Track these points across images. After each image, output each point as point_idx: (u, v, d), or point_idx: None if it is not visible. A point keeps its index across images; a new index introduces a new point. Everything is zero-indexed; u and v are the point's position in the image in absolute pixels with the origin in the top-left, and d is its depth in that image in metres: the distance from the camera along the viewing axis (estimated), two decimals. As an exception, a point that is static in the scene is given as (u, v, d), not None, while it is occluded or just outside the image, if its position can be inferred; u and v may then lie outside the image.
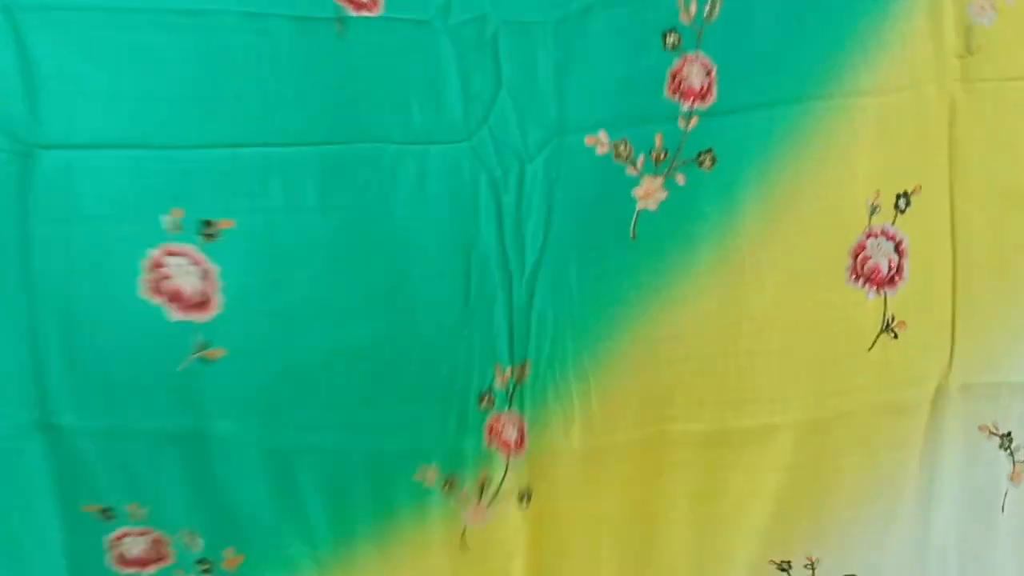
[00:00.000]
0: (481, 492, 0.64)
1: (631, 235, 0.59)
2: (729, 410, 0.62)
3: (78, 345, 0.62)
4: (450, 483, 0.64)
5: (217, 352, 0.62)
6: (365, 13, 0.58)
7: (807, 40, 0.60)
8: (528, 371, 0.63)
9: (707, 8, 0.58)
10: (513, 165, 0.60)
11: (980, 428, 0.64)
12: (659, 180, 0.59)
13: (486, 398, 0.64)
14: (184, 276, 0.61)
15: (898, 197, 0.60)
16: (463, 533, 0.64)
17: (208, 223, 0.62)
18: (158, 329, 0.62)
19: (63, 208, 0.61)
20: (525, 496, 0.64)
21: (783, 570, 0.65)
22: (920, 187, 0.60)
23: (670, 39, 0.58)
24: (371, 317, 0.62)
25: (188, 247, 0.62)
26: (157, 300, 0.62)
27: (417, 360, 0.63)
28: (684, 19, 0.58)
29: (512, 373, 0.63)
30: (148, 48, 0.59)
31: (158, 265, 0.62)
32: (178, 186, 0.61)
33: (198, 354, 0.62)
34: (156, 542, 0.65)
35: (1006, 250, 0.61)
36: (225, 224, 0.61)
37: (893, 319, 0.61)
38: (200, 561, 0.66)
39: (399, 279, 0.62)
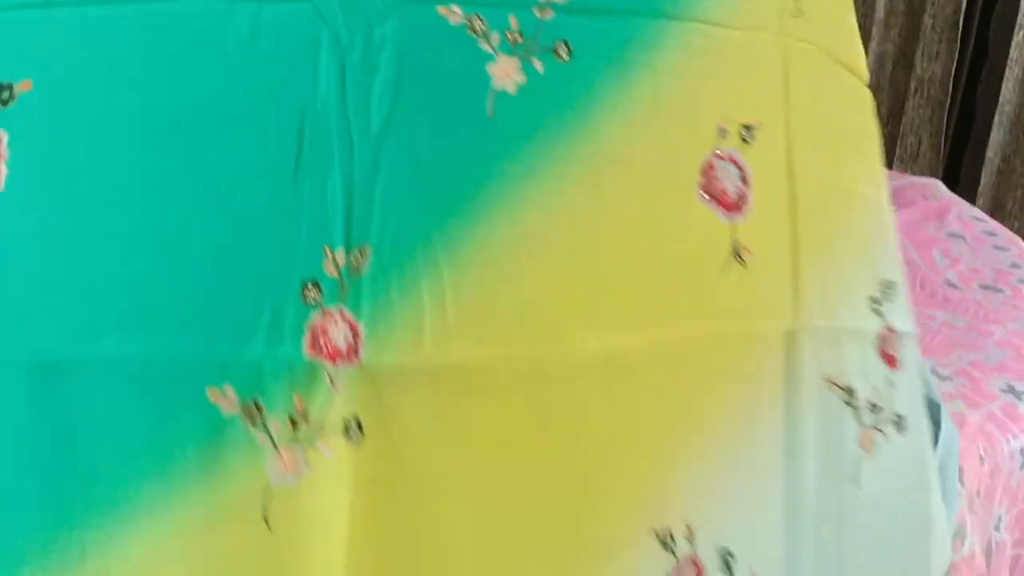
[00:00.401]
0: (294, 427, 0.48)
1: (488, 112, 0.52)
2: (592, 329, 0.53)
3: None
4: (253, 408, 0.48)
5: None
6: None
7: None
8: (367, 259, 0.49)
9: None
10: (360, 27, 0.52)
11: (824, 379, 0.60)
12: (515, 61, 0.54)
13: (310, 289, 0.49)
14: None
15: (743, 127, 0.59)
16: (268, 501, 0.47)
17: (5, 87, 0.50)
18: None
19: None
20: (354, 426, 0.48)
21: (665, 545, 0.55)
22: (761, 123, 0.60)
23: None
24: (182, 196, 0.49)
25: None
26: None
27: (229, 245, 0.49)
28: None
29: (347, 259, 0.49)
30: None
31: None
32: None
33: None
34: None
35: (835, 200, 0.63)
36: (23, 87, 0.49)
37: (740, 245, 0.58)
38: None
39: (219, 151, 0.50)
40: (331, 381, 0.48)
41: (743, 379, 0.58)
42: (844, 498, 0.60)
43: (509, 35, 0.54)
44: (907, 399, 0.63)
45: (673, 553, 0.54)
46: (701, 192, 0.56)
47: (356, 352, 0.48)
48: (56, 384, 0.47)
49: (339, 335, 0.48)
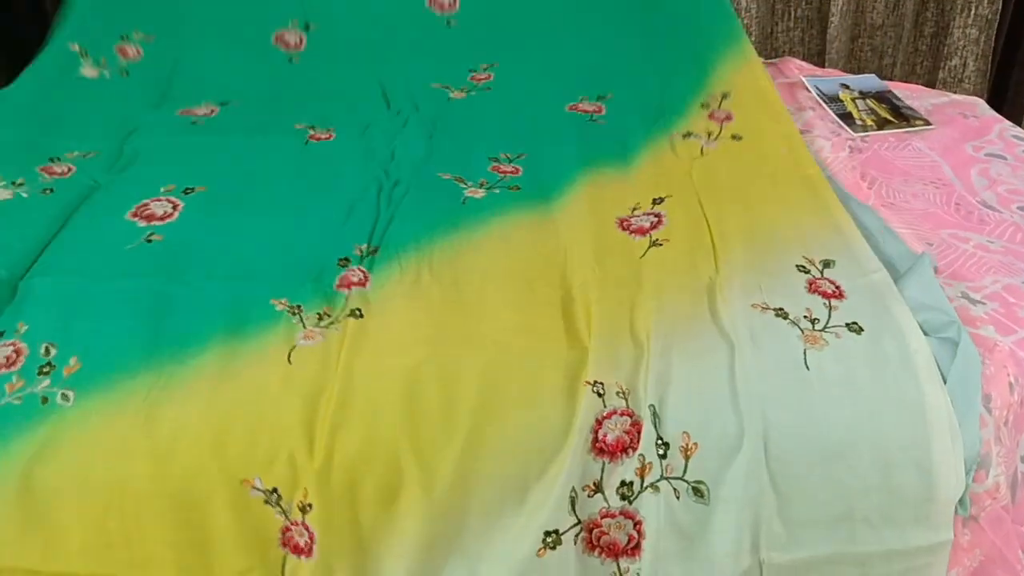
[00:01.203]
0: (320, 320, 0.83)
1: (462, 202, 1.03)
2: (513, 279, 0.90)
3: None
4: (296, 309, 0.84)
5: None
6: None
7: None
8: (377, 252, 0.94)
9: None
10: (394, 171, 1.11)
11: (753, 306, 0.83)
12: (482, 190, 1.05)
13: (343, 261, 0.92)
14: None
15: (654, 199, 1.03)
16: (291, 353, 0.79)
17: (189, 189, 1.07)
18: None
19: None
20: (358, 313, 0.84)
21: (600, 396, 0.76)
22: (672, 194, 1.03)
23: None
24: (292, 223, 0.99)
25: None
26: None
27: (309, 244, 0.95)
28: None
29: (366, 249, 0.94)
30: None
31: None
32: None
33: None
34: (17, 351, 0.79)
35: (748, 222, 0.98)
36: (200, 188, 1.08)
37: (657, 240, 0.95)
38: (43, 367, 0.78)
39: (318, 204, 1.03)
40: (347, 297, 0.87)
41: (681, 305, 0.85)
42: (787, 392, 0.76)
43: (481, 181, 1.07)
44: (861, 314, 0.82)
45: (604, 403, 0.76)
46: (619, 228, 0.98)
47: (365, 283, 0.89)
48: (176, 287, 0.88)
49: (356, 277, 0.90)
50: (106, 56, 1.35)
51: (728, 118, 1.21)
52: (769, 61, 1.47)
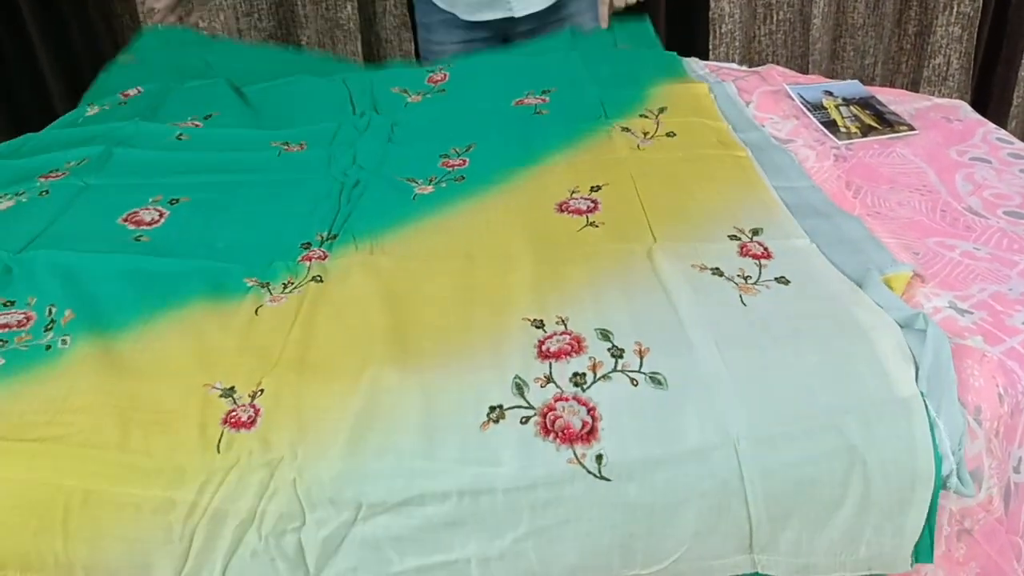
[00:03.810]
0: (284, 288, 0.94)
1: (412, 198, 1.12)
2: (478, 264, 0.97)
3: None
4: (264, 283, 0.95)
5: None
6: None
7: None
8: (336, 237, 1.04)
9: None
10: (353, 173, 1.20)
11: (692, 266, 0.91)
12: (431, 187, 1.14)
13: (305, 245, 1.02)
14: None
15: (592, 187, 1.10)
16: (258, 308, 0.90)
17: (174, 200, 1.17)
18: None
19: None
20: (318, 279, 0.95)
21: (538, 327, 0.83)
22: (609, 182, 1.11)
23: None
24: (264, 214, 1.11)
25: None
26: None
27: (277, 230, 1.06)
28: None
29: (327, 235, 1.04)
30: None
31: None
32: None
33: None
34: (28, 317, 0.92)
35: (679, 201, 1.07)
36: (185, 199, 1.17)
37: (593, 222, 1.02)
38: (47, 326, 0.90)
39: (289, 198, 1.14)
40: (308, 268, 0.97)
41: (618, 263, 0.93)
42: (729, 318, 0.83)
43: (431, 178, 1.16)
44: (789, 272, 0.90)
45: (544, 331, 0.83)
46: (557, 211, 1.05)
47: (324, 258, 0.99)
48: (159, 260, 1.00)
49: (316, 255, 1.00)
50: (109, 100, 1.50)
51: (663, 123, 1.28)
52: (752, 70, 1.47)
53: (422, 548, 0.71)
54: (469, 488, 0.71)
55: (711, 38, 2.07)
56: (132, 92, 1.50)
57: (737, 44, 2.10)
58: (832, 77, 1.84)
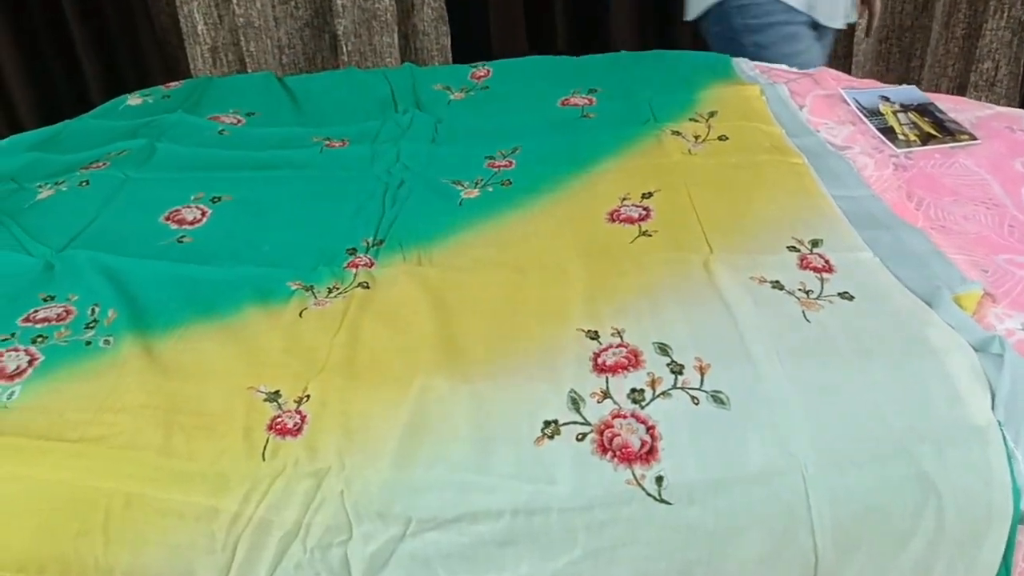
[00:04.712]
0: (329, 292, 0.92)
1: (458, 203, 1.09)
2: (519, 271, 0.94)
3: None
4: (309, 287, 0.93)
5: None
6: None
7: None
8: (382, 244, 1.01)
9: None
10: (398, 173, 1.18)
11: (751, 278, 0.88)
12: (477, 190, 1.11)
13: (351, 251, 1.00)
14: None
15: (643, 193, 1.06)
16: (303, 311, 0.89)
17: (215, 198, 1.14)
18: None
19: None
20: (365, 285, 0.92)
21: (593, 338, 0.81)
22: (660, 188, 1.07)
23: None
24: (299, 217, 1.08)
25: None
26: None
27: (322, 234, 1.03)
28: None
29: (372, 242, 1.02)
30: None
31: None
32: None
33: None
34: (68, 311, 0.90)
35: (734, 210, 1.03)
36: (227, 198, 1.15)
37: (646, 231, 0.99)
38: (89, 323, 0.88)
39: (333, 200, 1.11)
40: (355, 275, 0.94)
41: (673, 274, 0.90)
42: (792, 334, 0.80)
43: (477, 180, 1.13)
44: (852, 287, 0.86)
45: (599, 342, 0.80)
46: (607, 220, 1.02)
47: (371, 265, 0.97)
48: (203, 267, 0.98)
49: (363, 262, 0.97)
50: (152, 92, 1.49)
51: (714, 127, 1.24)
52: (804, 72, 1.43)
53: (473, 567, 0.68)
54: (523, 506, 0.68)
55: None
56: (174, 84, 1.48)
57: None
58: (877, 80, 1.79)
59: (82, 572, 0.70)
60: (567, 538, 0.68)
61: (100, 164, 1.22)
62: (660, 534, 0.68)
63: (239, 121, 1.36)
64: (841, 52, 2.17)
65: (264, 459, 0.72)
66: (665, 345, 0.79)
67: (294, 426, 0.74)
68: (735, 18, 1.56)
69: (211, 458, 0.72)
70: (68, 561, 0.70)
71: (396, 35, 2.06)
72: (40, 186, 1.17)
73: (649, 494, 0.68)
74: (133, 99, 1.46)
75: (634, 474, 0.69)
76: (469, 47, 2.07)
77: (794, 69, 1.46)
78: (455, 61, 2.10)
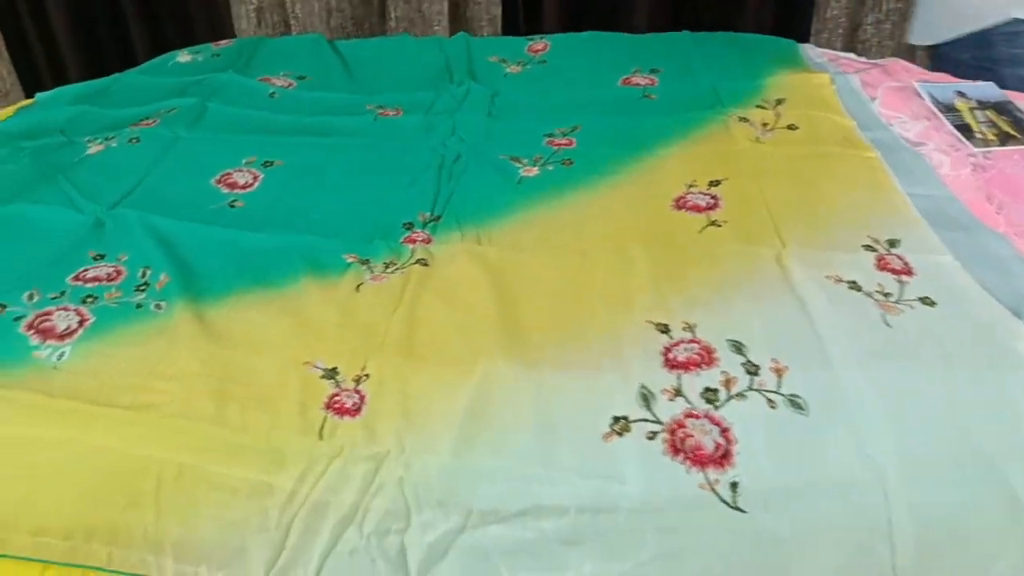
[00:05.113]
0: (386, 268, 0.89)
1: (516, 181, 1.05)
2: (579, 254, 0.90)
3: None
4: (365, 260, 0.90)
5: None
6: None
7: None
8: (439, 219, 0.98)
9: None
10: (454, 145, 1.15)
11: (827, 277, 0.84)
12: (536, 168, 1.08)
13: (407, 225, 0.97)
14: None
15: (710, 181, 1.02)
16: (359, 285, 0.86)
17: (268, 162, 1.12)
18: None
19: None
20: (423, 262, 0.89)
21: (663, 331, 0.77)
22: (728, 177, 1.03)
23: None
24: (365, 189, 1.05)
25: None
26: None
27: (377, 205, 1.01)
28: None
29: (429, 217, 0.99)
30: None
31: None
32: None
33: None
34: (118, 271, 0.88)
35: (808, 201, 0.98)
36: (278, 163, 1.12)
37: (715, 221, 0.95)
38: (139, 286, 0.86)
39: (388, 172, 1.08)
40: (412, 251, 0.91)
41: (745, 268, 0.86)
42: (871, 339, 0.76)
43: (536, 158, 1.10)
44: (933, 291, 0.82)
45: (669, 335, 0.77)
46: (673, 207, 0.98)
47: (429, 242, 0.94)
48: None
49: (420, 237, 0.95)
50: (203, 50, 1.47)
51: (783, 115, 1.19)
52: (874, 62, 1.38)
53: (536, 564, 0.65)
54: (590, 504, 0.65)
55: (813, 22, 1.96)
56: (224, 42, 1.45)
57: (841, 31, 1.98)
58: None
59: (130, 542, 0.68)
60: (635, 540, 0.65)
61: (150, 121, 1.20)
62: (732, 541, 0.65)
63: (290, 84, 1.33)
64: (904, 45, 2.10)
65: (321, 438, 0.69)
66: (739, 343, 0.75)
67: (352, 406, 0.72)
68: (1000, 46, 1.41)
69: (265, 432, 0.70)
70: (116, 530, 0.68)
71: (446, 2, 2.01)
72: (89, 140, 1.15)
73: (723, 500, 0.65)
74: (183, 56, 1.43)
75: (707, 478, 0.66)
76: (517, 19, 2.02)
77: (863, 58, 1.41)
78: (504, 32, 2.06)
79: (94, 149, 1.13)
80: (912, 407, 0.69)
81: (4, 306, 0.83)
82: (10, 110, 1.29)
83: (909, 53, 2.11)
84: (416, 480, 0.67)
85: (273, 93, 1.29)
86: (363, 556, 0.66)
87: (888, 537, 0.65)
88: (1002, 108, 1.22)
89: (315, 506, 0.67)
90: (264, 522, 0.66)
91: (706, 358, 0.74)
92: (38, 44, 1.92)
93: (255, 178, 1.07)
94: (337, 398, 0.72)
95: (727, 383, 0.71)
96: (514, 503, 0.66)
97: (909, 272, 0.85)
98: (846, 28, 2.00)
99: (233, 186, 1.05)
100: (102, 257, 0.91)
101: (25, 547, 0.68)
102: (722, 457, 0.66)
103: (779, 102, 1.21)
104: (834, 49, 1.86)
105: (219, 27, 2.14)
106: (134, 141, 1.14)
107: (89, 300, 0.84)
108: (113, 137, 1.15)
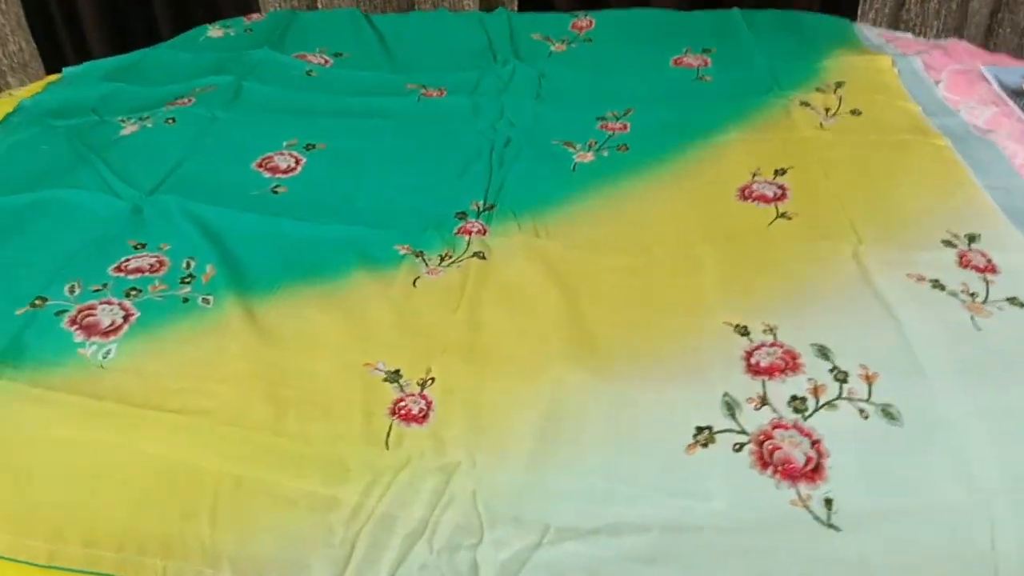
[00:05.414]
0: (441, 260, 0.85)
1: (571, 168, 1.01)
2: (647, 252, 0.86)
3: None
4: (419, 252, 0.86)
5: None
6: None
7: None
8: (493, 209, 0.94)
9: None
10: (504, 130, 1.10)
11: (908, 276, 0.80)
12: (591, 154, 1.03)
13: (460, 215, 0.93)
14: None
15: (776, 170, 0.98)
16: (416, 280, 0.82)
17: (311, 145, 1.08)
18: None
19: None
20: (481, 255, 0.86)
21: (743, 333, 0.74)
22: (794, 166, 0.98)
23: None
24: (400, 172, 1.01)
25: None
26: None
27: (430, 195, 0.96)
28: None
29: (482, 206, 0.95)
30: None
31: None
32: None
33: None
34: (161, 262, 0.85)
35: (883, 197, 0.94)
36: (321, 146, 1.08)
37: (784, 213, 0.91)
38: (184, 278, 0.83)
39: (437, 159, 1.04)
40: (467, 243, 0.88)
41: (822, 266, 0.82)
42: (963, 344, 0.72)
43: (590, 142, 1.06)
44: (1021, 291, 0.77)
45: (748, 338, 0.73)
46: (738, 197, 0.94)
47: (484, 233, 0.90)
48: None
49: (475, 228, 0.91)
50: (234, 25, 1.41)
51: (845, 99, 1.14)
52: (935, 43, 1.32)
53: None
54: (673, 522, 0.62)
55: (861, 2, 1.89)
56: (256, 16, 1.40)
57: (887, 10, 1.92)
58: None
59: (185, 555, 0.64)
60: (720, 561, 0.61)
61: (185, 100, 1.15)
62: (827, 565, 0.61)
63: (326, 61, 1.28)
64: (951, 24, 2.03)
65: (387, 447, 0.65)
66: (825, 348, 0.71)
67: (419, 412, 0.68)
68: None
69: (328, 441, 0.66)
70: (171, 543, 0.64)
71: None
72: (123, 120, 1.10)
73: (817, 517, 0.61)
74: (214, 30, 1.39)
75: (799, 493, 0.62)
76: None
77: (921, 38, 1.35)
78: (532, 5, 2.00)
79: (128, 129, 1.09)
80: (1015, 425, 0.65)
81: (45, 299, 0.79)
82: (38, 86, 1.25)
83: (956, 35, 2.04)
84: (489, 495, 0.63)
85: (310, 71, 1.25)
86: (433, 572, 0.62)
87: (994, 567, 0.61)
88: (1074, 94, 1.16)
89: (382, 520, 0.63)
90: (328, 537, 0.63)
91: (791, 363, 0.70)
92: (59, 16, 1.86)
93: (297, 162, 1.03)
94: (402, 404, 0.69)
95: (815, 391, 0.67)
96: (592, 520, 0.62)
97: (993, 270, 0.81)
98: (892, 7, 1.94)
99: (275, 170, 1.01)
100: (143, 246, 0.87)
101: (76, 559, 0.64)
102: (813, 471, 0.63)
103: (839, 85, 1.16)
104: (878, 26, 1.79)
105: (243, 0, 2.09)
106: (170, 122, 1.10)
107: (133, 293, 0.80)
108: (148, 117, 1.11)
